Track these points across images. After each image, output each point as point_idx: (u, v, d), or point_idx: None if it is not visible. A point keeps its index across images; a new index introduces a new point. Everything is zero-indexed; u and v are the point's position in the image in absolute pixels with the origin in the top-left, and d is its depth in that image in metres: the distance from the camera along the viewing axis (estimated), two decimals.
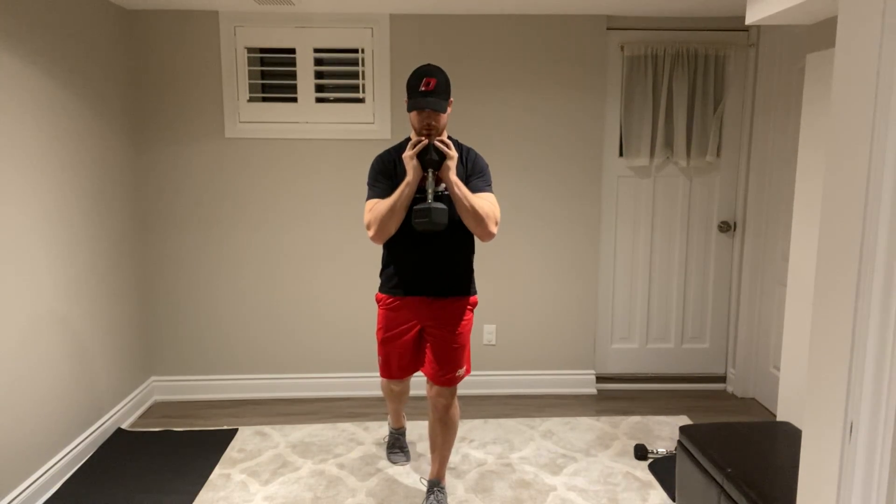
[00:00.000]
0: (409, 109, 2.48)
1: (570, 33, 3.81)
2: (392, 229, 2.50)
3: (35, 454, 2.83)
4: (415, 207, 2.43)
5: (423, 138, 2.47)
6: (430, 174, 2.46)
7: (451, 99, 2.57)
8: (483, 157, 2.68)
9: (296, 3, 3.49)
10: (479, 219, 2.47)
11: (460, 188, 2.45)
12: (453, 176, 2.44)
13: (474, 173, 2.60)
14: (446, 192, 2.51)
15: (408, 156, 2.47)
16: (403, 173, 2.51)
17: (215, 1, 3.52)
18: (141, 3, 3.55)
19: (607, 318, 4.17)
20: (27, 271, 2.77)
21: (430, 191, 2.44)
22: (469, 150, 2.68)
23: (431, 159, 2.44)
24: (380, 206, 2.50)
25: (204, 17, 3.70)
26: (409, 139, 2.59)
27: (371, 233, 2.52)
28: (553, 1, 3.50)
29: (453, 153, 2.46)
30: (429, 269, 2.63)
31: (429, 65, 2.52)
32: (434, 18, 3.76)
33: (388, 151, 2.68)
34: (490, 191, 2.60)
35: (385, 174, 2.60)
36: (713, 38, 3.87)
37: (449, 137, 2.61)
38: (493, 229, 2.51)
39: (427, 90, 2.44)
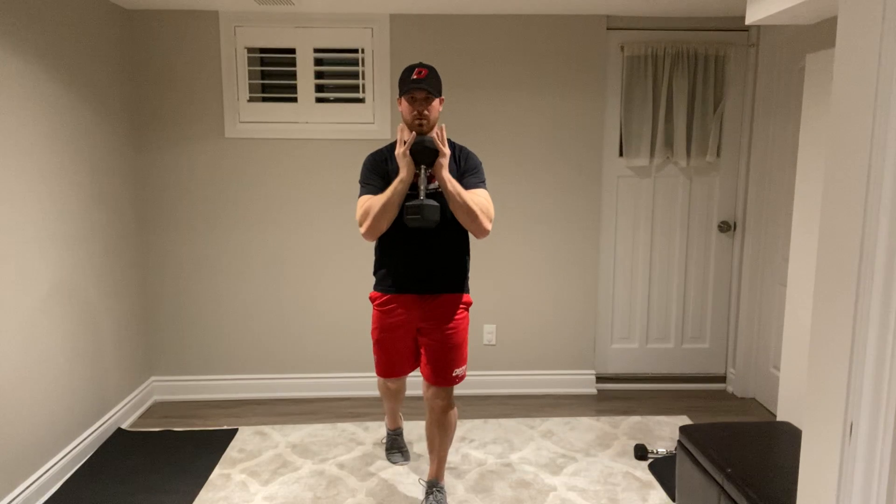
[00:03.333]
0: (401, 94, 2.49)
1: (570, 33, 3.81)
2: (384, 226, 2.51)
3: (35, 454, 2.83)
4: (407, 204, 2.44)
5: (415, 133, 2.47)
6: (423, 171, 2.46)
7: (443, 97, 2.58)
8: (476, 155, 2.69)
9: (296, 3, 3.49)
10: (472, 215, 2.47)
11: (453, 185, 2.45)
12: (446, 173, 2.45)
13: (467, 170, 2.61)
14: (439, 190, 2.51)
15: (400, 152, 2.47)
16: (396, 171, 2.52)
17: (215, 1, 3.52)
18: (141, 3, 3.55)
19: (607, 318, 4.17)
20: (27, 271, 2.77)
21: (422, 187, 2.45)
22: (462, 147, 2.69)
23: (424, 155, 2.43)
24: (372, 202, 2.50)
25: (204, 17, 3.70)
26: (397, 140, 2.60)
27: (363, 229, 2.52)
28: (553, 1, 3.50)
29: (446, 150, 2.46)
30: (421, 266, 2.63)
31: (420, 63, 2.55)
32: (434, 18, 3.76)
33: (379, 150, 2.69)
34: (483, 187, 2.61)
35: (377, 172, 2.61)
36: (713, 38, 3.87)
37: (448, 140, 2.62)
38: (487, 226, 2.52)
39: (419, 77, 2.46)
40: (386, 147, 2.69)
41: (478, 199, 2.51)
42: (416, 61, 2.66)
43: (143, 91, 3.74)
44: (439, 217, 2.45)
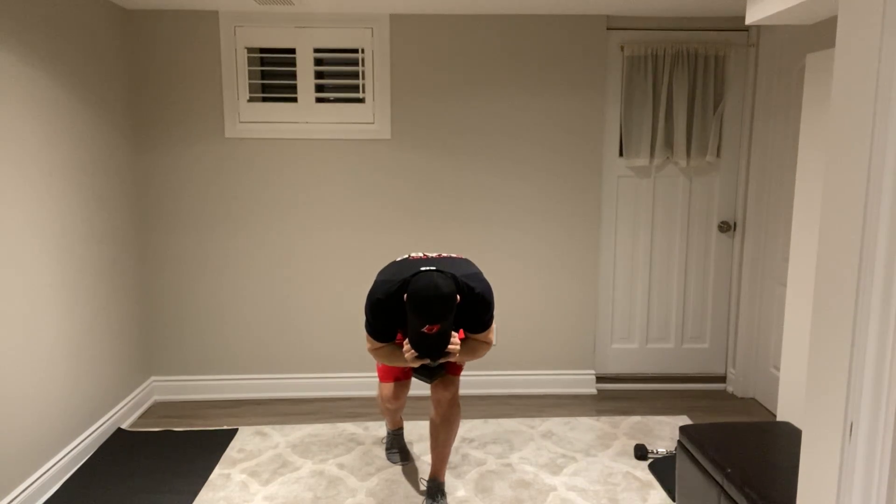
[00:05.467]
0: (409, 348, 2.39)
1: (570, 33, 3.81)
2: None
3: (35, 454, 2.83)
4: (415, 369, 2.57)
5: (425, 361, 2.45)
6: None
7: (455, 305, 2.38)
8: (489, 289, 2.51)
9: (296, 3, 3.49)
10: (473, 359, 2.68)
11: (461, 359, 2.59)
12: (454, 359, 2.48)
13: (475, 317, 2.53)
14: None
15: (408, 357, 2.41)
16: (402, 313, 2.44)
17: (215, 1, 3.52)
18: (141, 3, 3.55)
19: (607, 318, 4.17)
20: (27, 271, 2.77)
21: (430, 368, 2.57)
22: (473, 288, 2.46)
23: (431, 369, 2.56)
24: (381, 356, 2.61)
25: (204, 17, 3.70)
26: (404, 284, 2.41)
27: (374, 358, 2.68)
28: (553, 1, 3.50)
29: (455, 350, 2.41)
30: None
31: (433, 301, 2.27)
32: (434, 18, 3.76)
33: (386, 295, 2.45)
34: (491, 324, 2.58)
35: (384, 318, 2.49)
36: (713, 38, 3.87)
37: (455, 278, 2.42)
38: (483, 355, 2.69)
39: (429, 334, 2.31)
40: (392, 293, 2.44)
41: (482, 350, 2.63)
42: (426, 295, 2.27)
43: (143, 91, 3.74)
44: (445, 370, 2.63)
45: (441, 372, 2.58)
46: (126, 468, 3.11)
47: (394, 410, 3.01)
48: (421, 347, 2.36)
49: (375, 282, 2.53)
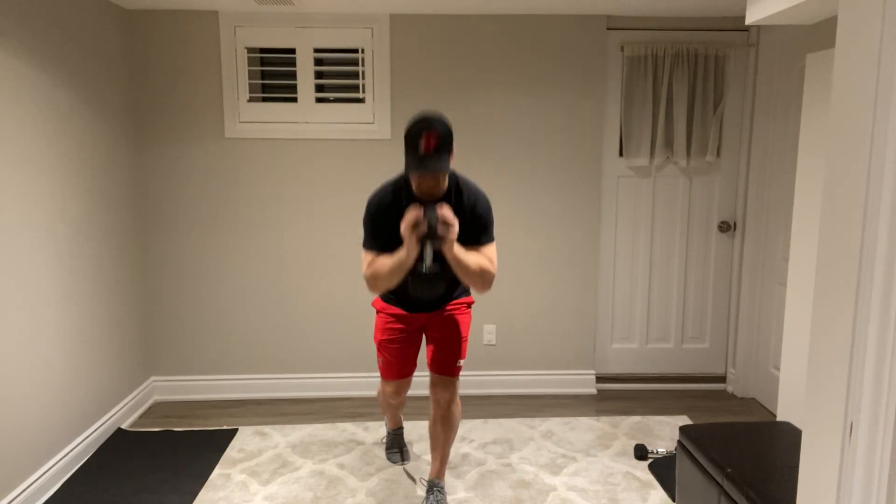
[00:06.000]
0: (408, 171, 2.31)
1: (570, 33, 3.81)
2: (390, 288, 2.49)
3: (35, 454, 2.83)
4: (412, 275, 2.40)
5: (420, 213, 2.27)
6: (429, 245, 2.34)
7: (454, 150, 2.36)
8: (486, 199, 2.49)
9: (296, 3, 3.49)
10: (473, 279, 2.39)
11: (458, 259, 2.34)
12: (451, 250, 2.31)
13: (476, 225, 2.44)
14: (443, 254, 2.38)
15: (405, 231, 2.29)
16: (401, 217, 2.33)
17: (215, 1, 3.52)
18: (141, 3, 3.55)
19: (607, 318, 4.17)
20: (27, 271, 2.77)
21: (427, 262, 2.37)
22: (470, 192, 2.47)
23: (429, 237, 2.30)
24: (378, 268, 2.39)
25: (204, 17, 3.70)
26: (403, 178, 2.44)
27: (369, 288, 2.47)
28: (553, 1, 3.50)
29: (454, 230, 2.28)
30: (427, 297, 2.65)
31: (428, 118, 2.26)
32: (434, 18, 3.76)
33: (383, 193, 2.47)
34: (491, 241, 2.46)
35: (381, 221, 2.44)
36: (713, 38, 3.87)
37: (451, 175, 2.43)
38: (487, 288, 2.43)
39: (427, 151, 2.22)
40: (390, 188, 2.47)
41: (482, 262, 2.39)
42: (423, 114, 2.28)
43: (143, 91, 3.74)
44: (444, 287, 2.48)
45: (440, 275, 2.38)
46: (126, 468, 3.11)
47: (395, 406, 3.00)
48: (421, 166, 2.23)
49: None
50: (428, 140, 2.21)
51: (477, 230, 2.44)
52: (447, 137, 2.26)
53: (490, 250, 2.45)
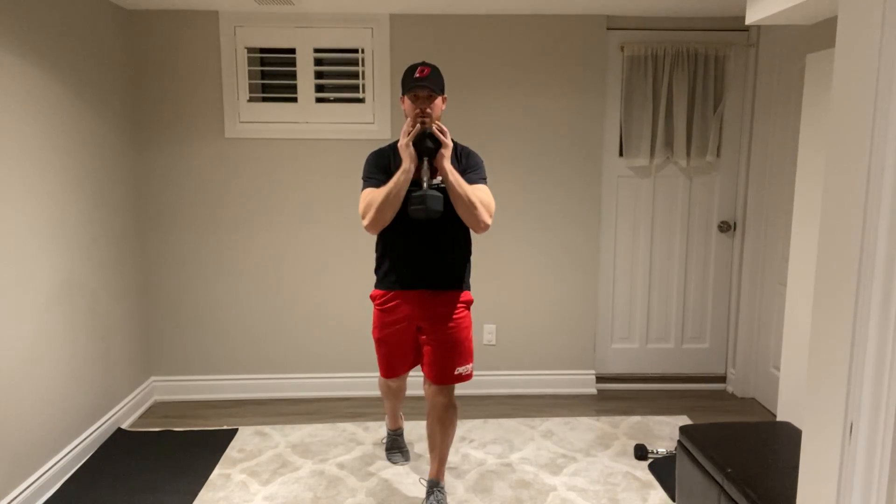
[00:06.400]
0: (404, 92, 2.54)
1: (570, 33, 3.81)
2: (388, 217, 2.52)
3: (35, 454, 2.83)
4: (411, 194, 2.46)
5: (419, 124, 2.49)
6: (426, 162, 2.49)
7: (445, 95, 2.62)
8: (477, 154, 2.72)
9: (296, 3, 3.49)
10: (472, 206, 2.50)
11: (454, 176, 2.49)
12: (447, 164, 2.48)
13: (469, 167, 2.64)
14: (442, 185, 2.53)
15: (403, 144, 2.50)
16: (398, 167, 2.53)
17: (215, 1, 3.52)
18: (141, 3, 3.55)
19: (607, 318, 4.17)
20: (27, 271, 2.77)
21: (425, 179, 2.47)
22: (464, 147, 2.73)
23: (427, 146, 2.46)
24: (375, 194, 2.53)
25: (204, 17, 3.70)
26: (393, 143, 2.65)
27: (366, 221, 2.53)
28: (553, 1, 3.50)
29: (448, 141, 2.50)
30: (423, 261, 2.65)
31: (423, 62, 2.59)
32: (434, 18, 3.76)
33: (382, 148, 2.73)
34: (485, 183, 2.64)
35: (380, 167, 2.63)
36: (713, 38, 3.87)
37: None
38: (487, 219, 2.55)
39: (422, 76, 2.51)
40: (388, 146, 2.72)
41: (479, 193, 2.55)
42: (419, 60, 2.70)
43: (143, 91, 3.74)
44: (442, 208, 2.46)
45: (437, 197, 2.43)
46: (126, 468, 3.11)
47: (396, 389, 3.01)
48: (417, 83, 2.48)
49: None
50: (422, 70, 2.53)
51: (470, 172, 2.63)
52: (439, 73, 2.58)
53: (484, 188, 2.61)
